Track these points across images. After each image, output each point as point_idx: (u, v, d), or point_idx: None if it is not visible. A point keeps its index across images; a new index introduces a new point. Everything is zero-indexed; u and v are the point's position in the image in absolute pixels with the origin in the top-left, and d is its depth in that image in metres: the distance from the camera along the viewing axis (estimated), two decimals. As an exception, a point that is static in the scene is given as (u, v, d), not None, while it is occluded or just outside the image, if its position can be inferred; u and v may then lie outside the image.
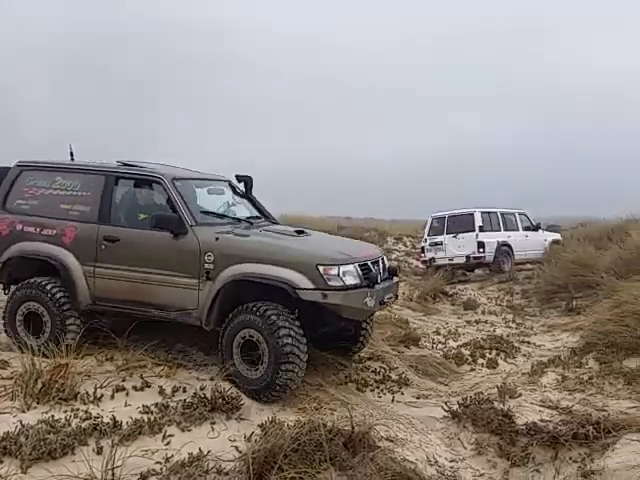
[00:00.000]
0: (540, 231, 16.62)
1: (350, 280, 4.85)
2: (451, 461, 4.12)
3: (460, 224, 15.45)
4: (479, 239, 14.98)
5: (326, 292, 4.71)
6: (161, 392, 4.57)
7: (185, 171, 6.10)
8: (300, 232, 5.46)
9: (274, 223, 6.19)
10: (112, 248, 5.36)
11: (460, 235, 15.28)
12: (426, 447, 4.27)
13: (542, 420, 4.56)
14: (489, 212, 15.65)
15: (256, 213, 6.24)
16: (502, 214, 15.89)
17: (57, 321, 5.38)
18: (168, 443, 3.81)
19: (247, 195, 6.36)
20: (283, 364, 4.63)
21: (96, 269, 5.41)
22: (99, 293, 5.42)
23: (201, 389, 4.58)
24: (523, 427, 4.43)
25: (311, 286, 4.71)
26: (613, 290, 8.11)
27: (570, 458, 4.02)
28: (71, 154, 6.26)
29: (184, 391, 4.62)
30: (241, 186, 6.37)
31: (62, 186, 5.72)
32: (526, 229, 16.26)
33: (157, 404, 4.30)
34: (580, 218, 23.36)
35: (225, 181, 6.37)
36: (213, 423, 4.14)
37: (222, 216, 5.64)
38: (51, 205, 5.69)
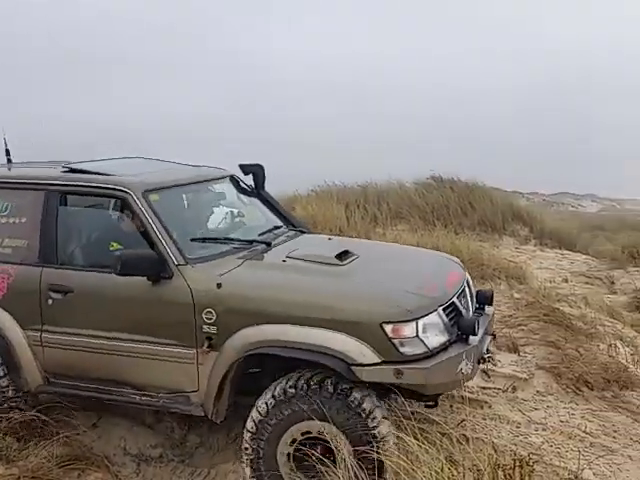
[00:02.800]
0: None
1: (435, 339, 3.08)
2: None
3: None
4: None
5: (401, 367, 2.96)
6: None
7: (166, 170, 4.14)
8: (344, 254, 3.58)
9: (299, 231, 4.30)
10: (63, 303, 3.51)
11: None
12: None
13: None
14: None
15: (273, 219, 4.32)
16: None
17: None
18: None
19: (258, 192, 4.42)
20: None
21: (43, 334, 3.57)
22: (53, 369, 3.63)
23: None
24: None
25: (375, 359, 2.94)
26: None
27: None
28: (7, 152, 4.26)
29: None
30: (248, 180, 4.46)
31: None
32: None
33: None
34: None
35: (225, 177, 4.38)
36: None
37: (225, 240, 3.70)
38: None
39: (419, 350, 2.99)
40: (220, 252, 3.55)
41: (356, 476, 2.73)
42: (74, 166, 3.82)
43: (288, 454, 3.06)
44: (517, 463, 2.55)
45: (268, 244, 3.76)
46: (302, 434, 3.02)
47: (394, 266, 3.72)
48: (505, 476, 2.49)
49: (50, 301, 3.53)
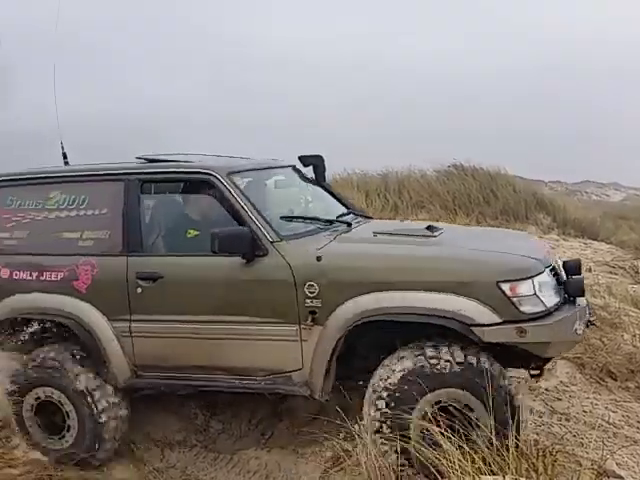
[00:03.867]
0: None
1: (550, 298, 3.04)
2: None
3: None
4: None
5: (524, 325, 2.93)
6: None
7: (233, 159, 4.19)
8: (430, 228, 3.57)
9: (367, 217, 4.37)
10: (153, 290, 3.47)
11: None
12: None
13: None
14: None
15: (339, 207, 4.26)
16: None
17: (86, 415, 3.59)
18: None
19: (319, 183, 4.40)
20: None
21: (132, 324, 3.53)
22: (142, 360, 3.58)
23: None
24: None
25: (496, 319, 2.92)
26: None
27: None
28: (64, 155, 4.31)
29: None
30: (308, 171, 4.43)
31: (61, 204, 3.74)
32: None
33: None
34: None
35: (288, 167, 4.41)
36: None
37: (310, 220, 3.72)
38: (49, 235, 3.75)
39: (538, 308, 2.97)
40: (309, 230, 3.58)
41: (491, 444, 2.66)
42: (149, 156, 3.87)
43: (423, 420, 2.94)
44: (540, 452, 2.56)
45: (349, 224, 3.77)
46: (434, 404, 2.96)
47: (483, 238, 3.80)
48: (529, 465, 2.49)
49: (139, 289, 3.49)
